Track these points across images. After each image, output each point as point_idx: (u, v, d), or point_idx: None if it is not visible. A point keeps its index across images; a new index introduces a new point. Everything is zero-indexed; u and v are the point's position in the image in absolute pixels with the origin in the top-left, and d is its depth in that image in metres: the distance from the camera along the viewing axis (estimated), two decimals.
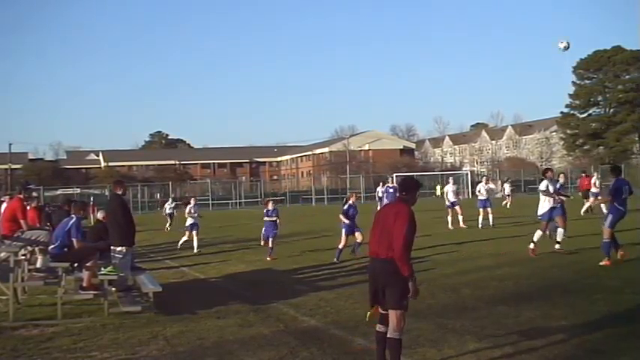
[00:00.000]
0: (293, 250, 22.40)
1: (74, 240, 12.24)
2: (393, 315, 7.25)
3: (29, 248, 13.93)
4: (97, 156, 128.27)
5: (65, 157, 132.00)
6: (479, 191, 29.08)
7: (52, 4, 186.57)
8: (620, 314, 10.15)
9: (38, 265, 13.29)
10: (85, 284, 12.24)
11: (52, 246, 12.38)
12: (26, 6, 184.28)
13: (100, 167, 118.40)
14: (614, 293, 11.93)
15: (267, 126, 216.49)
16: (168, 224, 37.16)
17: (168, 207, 38.98)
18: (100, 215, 14.74)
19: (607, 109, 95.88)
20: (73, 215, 12.75)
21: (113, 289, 12.63)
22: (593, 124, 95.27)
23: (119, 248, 12.76)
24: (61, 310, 11.50)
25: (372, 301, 7.55)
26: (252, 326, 10.50)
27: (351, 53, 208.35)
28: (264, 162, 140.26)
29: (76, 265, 12.51)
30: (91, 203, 41.86)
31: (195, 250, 23.12)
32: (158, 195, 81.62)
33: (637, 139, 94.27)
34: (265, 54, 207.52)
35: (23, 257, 13.68)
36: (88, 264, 12.22)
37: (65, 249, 12.28)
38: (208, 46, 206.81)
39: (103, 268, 12.39)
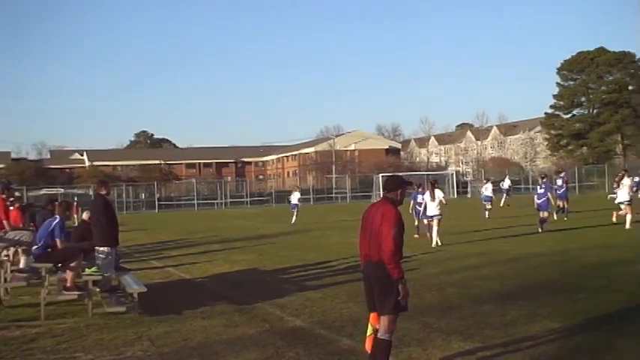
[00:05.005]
0: (279, 250, 22.39)
1: (57, 240, 12.17)
2: (384, 318, 7.23)
3: (12, 248, 13.87)
4: (81, 155, 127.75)
5: (49, 157, 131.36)
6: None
7: (35, 4, 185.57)
8: (603, 313, 10.20)
9: (21, 265, 13.23)
10: (68, 285, 12.17)
11: (36, 246, 12.31)
12: (9, 5, 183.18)
13: (84, 167, 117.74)
14: (598, 293, 11.99)
15: (253, 126, 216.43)
16: (295, 217, 37.21)
17: (293, 198, 38.57)
18: (85, 215, 14.63)
19: (590, 110, 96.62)
20: (56, 215, 12.68)
21: (97, 289, 12.56)
22: (577, 125, 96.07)
23: (102, 248, 12.68)
24: (44, 310, 11.44)
25: (370, 307, 7.46)
26: (237, 326, 10.46)
27: (337, 53, 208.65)
28: (250, 162, 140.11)
29: (59, 265, 12.44)
30: (75, 203, 41.59)
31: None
32: (143, 195, 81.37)
33: (620, 139, 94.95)
34: (250, 54, 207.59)
35: (6, 258, 13.62)
36: (71, 264, 12.15)
37: (48, 249, 12.21)
38: (193, 46, 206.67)
39: (87, 269, 12.32)
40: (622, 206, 24.75)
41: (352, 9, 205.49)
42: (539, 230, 24.27)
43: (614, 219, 24.98)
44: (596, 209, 36.34)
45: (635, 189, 26.66)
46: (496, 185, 43.48)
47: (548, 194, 25.16)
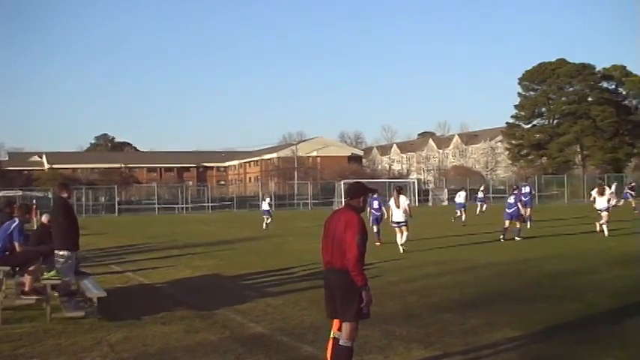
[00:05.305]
0: (240, 256, 22.32)
1: (16, 243, 12.00)
2: (346, 324, 7.25)
3: None
4: (41, 158, 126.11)
5: (7, 159, 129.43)
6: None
7: None
8: (561, 322, 10.31)
9: None
10: (26, 289, 12.00)
11: None
12: None
13: (43, 169, 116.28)
14: (556, 301, 12.14)
15: (215, 131, 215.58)
16: (265, 222, 37.52)
17: (264, 204, 39.40)
18: (44, 218, 14.45)
19: (550, 121, 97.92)
20: (15, 218, 12.51)
21: (56, 293, 12.39)
22: (537, 135, 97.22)
23: (62, 252, 12.51)
24: (1, 315, 11.25)
25: (329, 314, 7.50)
26: (197, 332, 10.40)
27: (300, 59, 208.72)
28: (212, 167, 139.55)
29: (17, 269, 12.27)
30: (34, 206, 41.00)
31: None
32: (103, 198, 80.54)
33: (579, 150, 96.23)
34: (213, 58, 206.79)
35: None
36: (30, 268, 11.99)
37: (7, 252, 12.03)
38: (154, 50, 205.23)
39: (45, 273, 12.15)
40: (603, 214, 25.65)
41: (315, 16, 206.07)
42: (501, 239, 24.52)
43: (597, 228, 25.98)
44: (556, 218, 36.86)
45: (610, 199, 27.48)
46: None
47: (519, 204, 25.65)
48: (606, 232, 24.93)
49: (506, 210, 25.75)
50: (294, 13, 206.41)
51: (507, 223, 25.28)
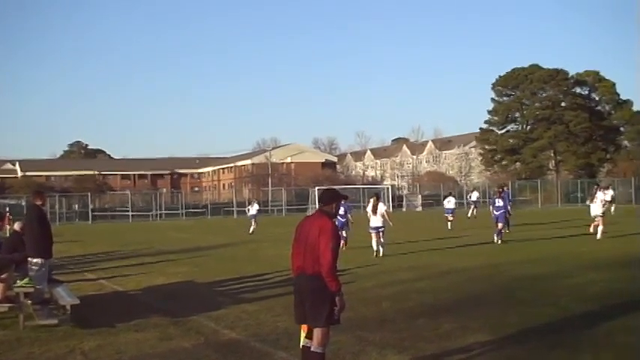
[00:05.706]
0: (214, 262, 22.27)
1: None
2: (317, 331, 7.28)
3: None
4: (14, 165, 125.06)
5: None
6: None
7: None
8: (533, 326, 10.39)
9: None
10: None
11: None
12: None
13: (16, 177, 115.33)
14: (528, 306, 12.22)
15: (189, 137, 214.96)
16: (252, 228, 38.94)
17: (252, 209, 40.71)
18: (17, 226, 14.34)
19: (524, 126, 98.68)
20: None
21: (29, 301, 12.31)
22: (511, 140, 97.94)
23: (35, 260, 12.43)
24: None
25: (298, 319, 7.53)
26: (172, 339, 10.36)
27: (273, 66, 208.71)
28: (185, 173, 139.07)
29: None
30: (7, 213, 40.63)
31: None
32: (76, 206, 79.94)
33: (552, 155, 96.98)
34: (186, 64, 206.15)
35: None
36: (2, 276, 11.90)
37: None
38: (128, 55, 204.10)
39: (18, 281, 12.07)
40: (597, 219, 26.58)
41: (287, 22, 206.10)
42: (498, 242, 25.52)
43: (591, 229, 26.95)
44: (529, 223, 37.13)
45: (604, 203, 27.95)
46: (433, 198, 44.71)
47: (508, 207, 26.88)
48: (599, 235, 25.83)
49: (494, 212, 26.70)
50: (267, 20, 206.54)
51: (499, 225, 26.25)
